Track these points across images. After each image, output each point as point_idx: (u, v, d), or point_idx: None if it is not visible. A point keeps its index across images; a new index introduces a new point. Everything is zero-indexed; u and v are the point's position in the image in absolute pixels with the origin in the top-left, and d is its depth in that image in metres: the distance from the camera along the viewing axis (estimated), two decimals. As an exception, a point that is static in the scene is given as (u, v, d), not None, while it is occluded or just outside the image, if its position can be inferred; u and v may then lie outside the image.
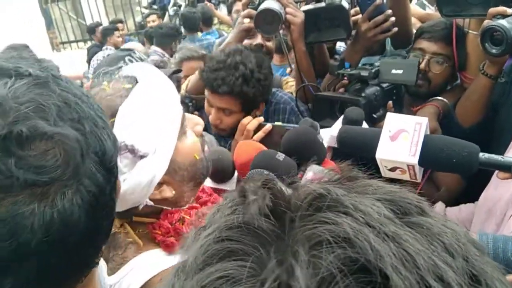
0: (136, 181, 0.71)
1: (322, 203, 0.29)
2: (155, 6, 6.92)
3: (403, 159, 0.79)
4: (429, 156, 0.79)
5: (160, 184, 0.75)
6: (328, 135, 1.12)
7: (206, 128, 1.61)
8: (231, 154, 1.17)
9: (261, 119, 1.30)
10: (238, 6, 3.37)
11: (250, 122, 1.28)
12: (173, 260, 0.71)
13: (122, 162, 0.69)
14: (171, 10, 5.74)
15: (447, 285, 0.25)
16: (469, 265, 0.26)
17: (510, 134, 1.18)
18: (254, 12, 1.45)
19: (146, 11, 6.78)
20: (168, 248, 0.77)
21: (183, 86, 1.75)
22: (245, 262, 0.26)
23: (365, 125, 1.13)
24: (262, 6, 1.43)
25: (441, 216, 0.31)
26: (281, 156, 0.92)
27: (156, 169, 0.73)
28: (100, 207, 0.46)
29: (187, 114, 0.85)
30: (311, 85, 1.50)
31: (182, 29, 4.29)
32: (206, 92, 1.44)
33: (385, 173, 0.82)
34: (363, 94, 1.32)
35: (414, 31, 1.61)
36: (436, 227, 0.28)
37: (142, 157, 0.70)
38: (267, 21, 1.43)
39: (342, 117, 1.15)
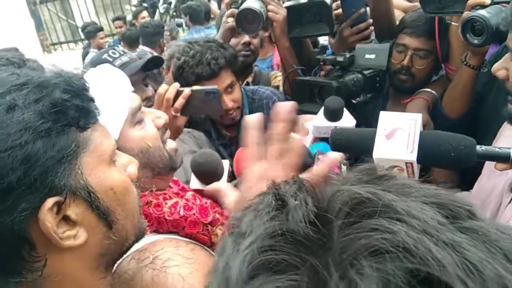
0: None
1: (370, 208, 0.26)
2: (145, 4, 6.72)
3: (401, 156, 0.74)
4: (426, 152, 0.74)
5: None
6: (312, 126, 1.07)
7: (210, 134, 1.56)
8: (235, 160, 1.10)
9: (177, 85, 1.20)
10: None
11: (167, 91, 1.16)
12: (144, 241, 0.65)
13: None
14: (161, 7, 5.57)
15: None
16: None
17: (496, 123, 1.13)
18: (236, 11, 1.42)
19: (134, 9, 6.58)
20: None
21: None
22: (297, 276, 0.24)
23: (346, 114, 1.08)
24: (243, 6, 1.40)
25: (491, 220, 0.29)
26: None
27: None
28: None
29: (149, 109, 0.88)
30: (300, 69, 1.49)
31: (183, 21, 4.13)
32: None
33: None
34: (341, 79, 1.29)
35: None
36: (492, 232, 0.26)
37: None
38: (248, 20, 1.40)
39: (323, 107, 1.10)
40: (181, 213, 0.78)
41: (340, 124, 1.05)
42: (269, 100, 1.54)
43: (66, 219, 0.49)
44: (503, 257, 0.24)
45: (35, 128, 0.45)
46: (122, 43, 4.10)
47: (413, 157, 0.73)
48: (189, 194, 0.85)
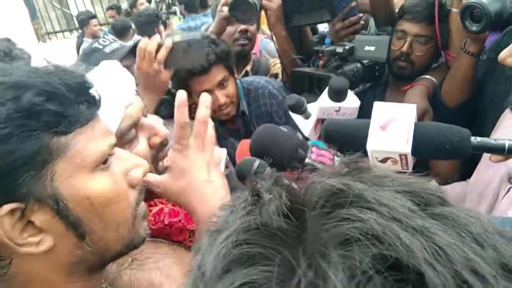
0: None
1: (342, 199, 0.27)
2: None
3: (396, 148, 0.73)
4: (421, 144, 0.73)
5: None
6: (316, 107, 1.06)
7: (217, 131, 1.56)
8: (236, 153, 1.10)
9: (158, 37, 1.17)
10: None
11: (149, 44, 1.11)
12: None
13: None
14: (156, -4, 5.50)
15: (481, 278, 0.23)
16: (499, 255, 0.25)
17: (496, 112, 1.12)
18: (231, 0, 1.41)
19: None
20: None
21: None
22: (270, 267, 0.24)
23: (350, 94, 1.07)
24: None
25: (462, 206, 0.29)
26: (284, 128, 0.87)
27: None
28: None
29: (149, 123, 0.75)
30: (297, 58, 1.48)
31: (177, 10, 4.06)
32: (196, 86, 1.39)
33: (375, 165, 0.76)
34: (340, 70, 1.27)
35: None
36: (461, 217, 0.26)
37: None
38: (242, 9, 1.39)
39: (327, 88, 1.09)
40: (165, 221, 0.76)
41: (345, 104, 1.04)
42: (265, 90, 1.54)
43: (32, 224, 0.47)
44: (473, 240, 0.25)
45: None
46: (112, 33, 4.06)
47: (407, 148, 0.72)
48: None
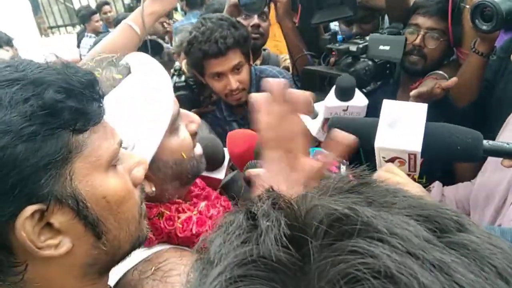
0: None
1: (348, 226, 0.24)
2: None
3: (405, 147, 0.71)
4: (431, 144, 0.71)
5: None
6: (323, 106, 1.04)
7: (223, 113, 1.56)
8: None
9: None
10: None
11: None
12: (149, 252, 0.62)
13: None
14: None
15: None
16: None
17: (506, 112, 1.10)
18: None
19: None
20: (146, 243, 0.71)
21: (184, 68, 1.65)
22: None
23: (358, 93, 1.06)
24: None
25: (482, 230, 0.26)
26: None
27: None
28: None
29: (183, 111, 0.78)
30: (309, 54, 1.46)
31: (178, 5, 4.04)
32: (210, 68, 1.39)
33: (381, 164, 0.74)
34: (352, 69, 1.25)
35: None
36: (482, 247, 0.24)
37: (124, 148, 0.63)
38: None
39: (334, 86, 1.08)
40: (193, 230, 0.75)
41: (352, 103, 1.02)
42: (275, 79, 1.53)
43: (50, 226, 0.46)
44: (496, 275, 0.23)
45: (17, 132, 0.42)
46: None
47: (417, 148, 0.71)
48: (202, 205, 0.80)
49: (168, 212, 0.75)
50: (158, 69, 0.74)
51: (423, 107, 0.73)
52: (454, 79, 1.26)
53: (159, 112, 0.69)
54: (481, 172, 1.03)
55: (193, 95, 1.50)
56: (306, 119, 1.08)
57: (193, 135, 0.79)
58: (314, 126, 1.04)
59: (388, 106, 0.74)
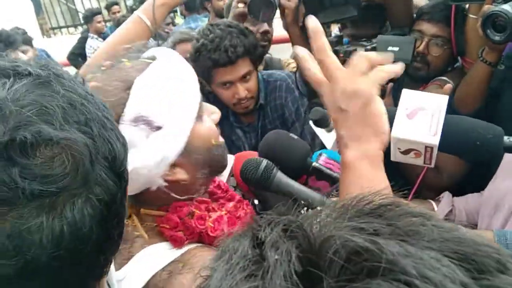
0: (150, 155, 0.65)
1: (370, 263, 0.20)
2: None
3: (423, 139, 0.66)
4: (450, 138, 0.66)
5: (173, 166, 0.70)
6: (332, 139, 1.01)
7: (229, 119, 1.54)
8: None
9: None
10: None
11: None
12: (178, 253, 0.62)
13: (137, 134, 0.64)
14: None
15: None
16: None
17: (512, 123, 1.07)
18: None
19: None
20: (176, 243, 0.72)
21: None
22: None
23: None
24: None
25: None
26: (294, 136, 0.83)
27: (171, 144, 0.68)
28: (112, 216, 0.41)
29: (203, 103, 0.78)
30: None
31: (177, 8, 4.02)
32: (219, 77, 1.34)
33: (395, 156, 0.69)
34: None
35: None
36: None
37: (158, 128, 0.65)
38: (261, 7, 1.35)
39: None
40: (225, 230, 0.73)
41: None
42: (283, 83, 1.50)
43: None
44: None
45: None
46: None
47: (435, 140, 0.66)
48: (230, 205, 0.79)
49: (198, 212, 0.73)
50: (182, 60, 0.75)
51: (444, 99, 0.69)
52: (449, 86, 1.24)
53: (188, 95, 0.70)
54: (492, 181, 0.99)
55: None
56: (321, 132, 1.04)
57: (216, 125, 0.79)
58: (329, 139, 1.00)
59: (408, 95, 0.70)
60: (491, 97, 1.30)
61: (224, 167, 0.80)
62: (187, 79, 0.72)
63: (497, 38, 1.08)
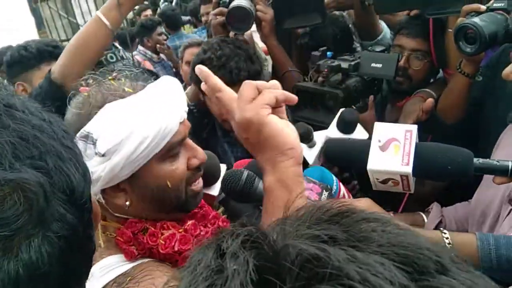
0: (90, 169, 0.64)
1: (320, 269, 0.22)
2: (146, 2, 6.56)
3: (396, 169, 0.69)
4: (422, 164, 0.70)
5: (118, 189, 0.71)
6: (323, 136, 1.02)
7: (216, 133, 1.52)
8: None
9: None
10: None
11: None
12: (130, 266, 0.69)
13: (85, 150, 0.66)
14: (162, 5, 5.46)
15: None
16: None
17: (497, 131, 1.08)
18: (225, 10, 1.38)
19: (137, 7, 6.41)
20: (128, 256, 0.72)
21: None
22: None
23: (359, 126, 1.03)
24: (233, 4, 1.36)
25: (466, 271, 0.24)
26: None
27: (106, 172, 0.67)
28: (74, 250, 0.38)
29: (192, 143, 0.78)
30: (294, 71, 1.45)
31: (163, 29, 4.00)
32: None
33: (376, 186, 0.72)
34: (343, 85, 1.23)
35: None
36: None
37: (101, 154, 0.66)
38: (239, 18, 1.36)
39: (336, 118, 1.05)
40: (175, 248, 0.73)
41: (353, 136, 1.00)
42: None
43: None
44: None
45: None
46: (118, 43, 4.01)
47: (408, 169, 0.69)
48: (189, 224, 0.78)
49: (152, 228, 0.74)
50: (175, 92, 0.74)
51: (413, 129, 0.72)
52: (430, 100, 1.27)
53: (153, 138, 0.68)
54: (478, 189, 1.01)
55: (194, 118, 1.46)
56: (303, 147, 1.06)
57: (194, 170, 0.77)
58: (311, 154, 1.02)
59: (379, 128, 0.73)
60: (474, 106, 1.31)
61: (178, 208, 0.78)
62: (164, 119, 0.69)
63: (468, 50, 1.10)
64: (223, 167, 1.04)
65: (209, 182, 1.05)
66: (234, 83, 1.30)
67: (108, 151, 0.65)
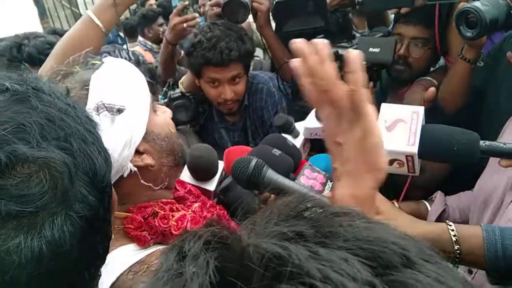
0: (116, 138, 0.66)
1: (281, 268, 0.21)
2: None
3: (402, 149, 0.68)
4: (428, 145, 0.69)
5: (140, 153, 0.72)
6: (302, 127, 1.01)
7: (213, 118, 1.51)
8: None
9: None
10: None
11: None
12: (144, 254, 0.68)
13: (101, 122, 0.63)
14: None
15: None
16: None
17: (500, 120, 1.07)
18: (221, 1, 1.37)
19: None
20: (141, 242, 0.72)
21: (180, 86, 1.60)
22: None
23: None
24: None
25: (434, 264, 0.23)
26: (277, 151, 0.81)
27: (135, 125, 0.69)
28: (94, 231, 0.39)
29: (155, 102, 0.82)
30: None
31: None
32: (208, 73, 1.34)
33: None
34: (341, 73, 1.21)
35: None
36: (427, 285, 0.21)
37: (120, 111, 0.67)
38: (234, 10, 1.36)
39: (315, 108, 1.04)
40: (188, 228, 0.73)
41: None
42: (264, 86, 1.48)
43: None
44: None
45: None
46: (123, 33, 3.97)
47: (414, 149, 0.68)
48: (196, 206, 0.79)
49: (162, 212, 0.74)
50: (129, 63, 0.78)
51: (420, 110, 0.70)
52: (432, 89, 1.25)
53: (141, 89, 0.72)
54: (481, 177, 1.00)
55: (190, 104, 1.45)
56: (289, 138, 1.05)
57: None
58: (296, 144, 1.00)
59: (386, 109, 0.72)
60: (476, 94, 1.30)
61: (182, 156, 0.81)
62: (137, 77, 0.74)
63: (468, 34, 1.08)
64: (221, 164, 1.04)
65: (206, 177, 1.04)
66: (225, 64, 1.29)
67: (125, 103, 0.67)
